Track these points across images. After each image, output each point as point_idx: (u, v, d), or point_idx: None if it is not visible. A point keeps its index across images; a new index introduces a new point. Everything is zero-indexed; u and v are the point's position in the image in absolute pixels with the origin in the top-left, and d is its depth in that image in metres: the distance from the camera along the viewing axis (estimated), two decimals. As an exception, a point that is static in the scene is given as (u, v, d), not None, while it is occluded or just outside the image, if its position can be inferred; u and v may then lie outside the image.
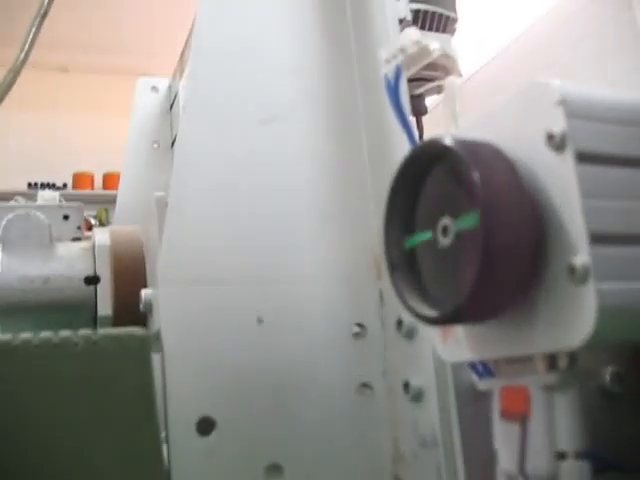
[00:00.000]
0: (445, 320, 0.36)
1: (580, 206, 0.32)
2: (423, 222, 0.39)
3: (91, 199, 3.63)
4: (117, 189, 1.09)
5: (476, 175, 0.33)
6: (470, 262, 0.33)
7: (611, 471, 0.45)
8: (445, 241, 0.36)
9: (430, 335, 0.45)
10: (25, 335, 0.48)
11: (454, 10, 0.84)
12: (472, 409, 0.50)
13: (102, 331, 0.50)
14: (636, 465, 0.47)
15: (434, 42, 0.43)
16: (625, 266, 0.33)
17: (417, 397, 0.54)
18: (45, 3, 0.77)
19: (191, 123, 0.61)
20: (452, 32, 0.85)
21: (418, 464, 0.54)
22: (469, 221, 0.34)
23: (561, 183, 0.33)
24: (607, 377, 0.50)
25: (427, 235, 0.38)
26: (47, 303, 0.71)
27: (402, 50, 0.43)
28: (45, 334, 0.49)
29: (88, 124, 4.17)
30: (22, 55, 0.80)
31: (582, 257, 0.32)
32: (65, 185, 4.07)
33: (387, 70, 0.44)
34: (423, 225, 0.39)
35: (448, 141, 0.36)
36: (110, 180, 3.90)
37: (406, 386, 0.56)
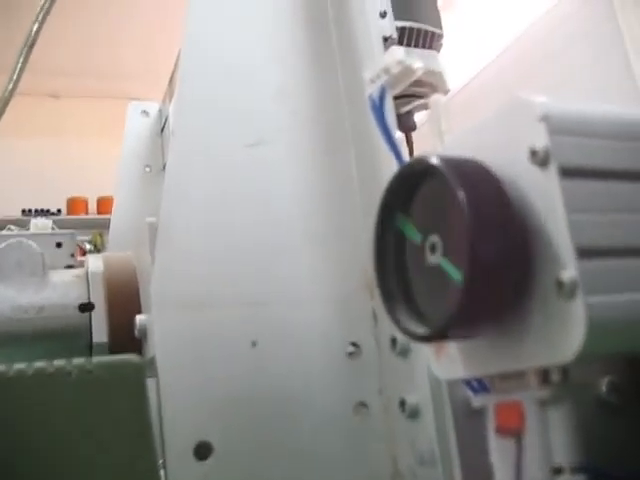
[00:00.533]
0: (435, 337, 0.36)
1: (565, 221, 0.32)
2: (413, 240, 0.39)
3: (86, 224, 3.62)
4: (111, 213, 1.10)
5: (461, 194, 0.33)
6: (457, 280, 0.33)
7: (610, 483, 0.45)
8: (433, 259, 0.36)
9: (424, 353, 0.45)
10: (19, 365, 0.48)
11: (439, 26, 0.85)
12: (469, 425, 0.50)
13: (96, 359, 0.50)
14: (634, 476, 0.47)
15: (417, 61, 0.44)
16: (613, 279, 0.33)
17: (413, 415, 0.54)
18: (32, 33, 0.77)
19: (179, 148, 0.61)
20: (438, 48, 0.85)
21: (417, 482, 0.54)
22: (454, 274, 0.34)
23: (546, 198, 0.33)
24: (603, 388, 0.50)
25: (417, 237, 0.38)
26: (42, 332, 0.71)
27: (386, 70, 0.44)
28: (39, 364, 0.49)
29: (80, 149, 4.17)
30: (10, 85, 0.80)
31: (570, 272, 0.32)
32: (59, 211, 4.07)
33: (372, 90, 0.45)
34: (413, 243, 0.39)
35: (433, 160, 0.36)
36: (104, 204, 3.89)
37: (402, 404, 0.55)
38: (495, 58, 3.25)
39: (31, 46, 0.78)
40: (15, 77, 0.80)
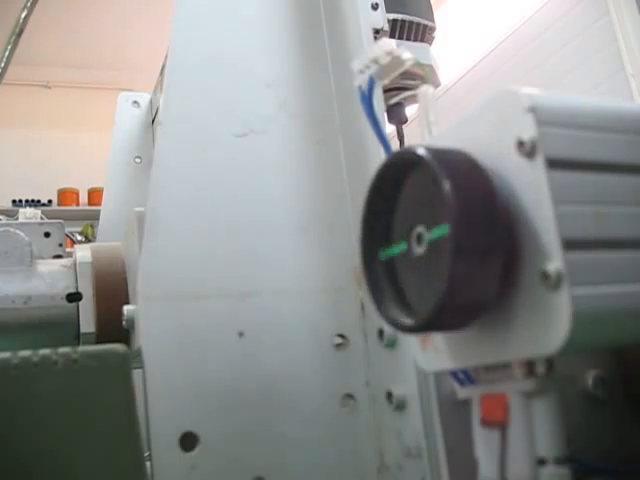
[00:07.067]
0: (420, 328, 0.36)
1: (552, 212, 0.32)
2: (399, 230, 0.39)
3: (76, 215, 3.62)
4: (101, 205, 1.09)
5: (447, 185, 0.33)
6: (442, 271, 0.33)
7: (594, 475, 0.45)
8: (419, 250, 0.36)
9: (411, 344, 0.45)
10: (4, 354, 0.48)
11: (432, 19, 0.85)
12: (456, 417, 0.50)
13: (82, 349, 0.50)
14: (619, 468, 0.47)
15: (406, 52, 0.43)
16: (598, 271, 0.33)
17: (400, 407, 0.54)
18: (20, 21, 0.77)
19: (167, 137, 0.61)
20: (430, 41, 0.85)
21: (403, 475, 0.54)
22: (441, 231, 0.34)
23: (533, 190, 0.33)
24: (589, 381, 0.50)
25: (402, 246, 0.38)
26: (29, 322, 0.70)
27: (375, 61, 0.43)
28: (24, 353, 0.48)
29: (72, 140, 4.16)
30: (-2, 73, 0.80)
31: (555, 263, 0.32)
32: (50, 201, 4.05)
33: (360, 81, 0.44)
34: (399, 233, 0.39)
35: (420, 151, 0.36)
36: (95, 196, 3.88)
37: (389, 396, 0.55)
38: (487, 55, 3.26)
39: (19, 34, 0.77)
40: (2, 65, 0.79)
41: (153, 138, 1.13)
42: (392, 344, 0.56)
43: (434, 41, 0.86)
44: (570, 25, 2.72)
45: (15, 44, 0.77)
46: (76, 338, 0.72)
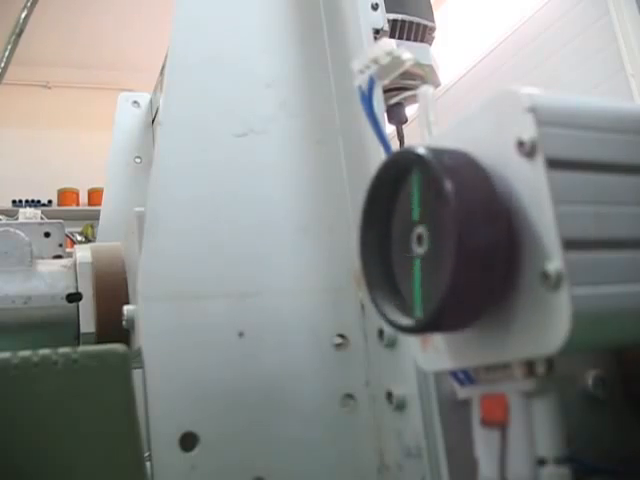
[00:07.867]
0: (420, 329, 0.36)
1: (552, 212, 0.32)
2: (399, 231, 0.39)
3: (76, 215, 3.62)
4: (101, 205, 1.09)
5: (448, 185, 0.33)
6: (443, 271, 0.33)
7: (594, 475, 0.45)
8: (420, 250, 0.36)
9: (410, 344, 0.45)
10: (4, 354, 0.48)
11: (432, 19, 0.85)
12: (456, 417, 0.50)
13: (82, 349, 0.50)
14: (619, 468, 0.47)
15: (406, 52, 0.43)
16: (598, 271, 0.33)
17: (400, 407, 0.54)
18: (20, 21, 0.77)
19: (167, 137, 0.61)
20: (430, 41, 0.85)
21: (403, 475, 0.54)
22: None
23: (533, 190, 0.33)
24: (589, 381, 0.50)
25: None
26: (29, 322, 0.70)
27: (375, 61, 0.43)
28: (24, 353, 0.48)
29: (72, 140, 4.16)
30: (-2, 73, 0.80)
31: (555, 263, 0.32)
32: (50, 202, 4.05)
33: (360, 81, 0.44)
34: (399, 234, 0.39)
35: (420, 150, 0.36)
36: (95, 196, 3.89)
37: (389, 396, 0.55)
38: (487, 55, 3.26)
39: (19, 34, 0.77)
40: (2, 65, 0.79)
41: (153, 138, 1.13)
42: (392, 344, 0.56)
43: (434, 41, 0.86)
44: (570, 25, 2.72)
45: (15, 44, 0.77)
46: (76, 338, 0.72)
